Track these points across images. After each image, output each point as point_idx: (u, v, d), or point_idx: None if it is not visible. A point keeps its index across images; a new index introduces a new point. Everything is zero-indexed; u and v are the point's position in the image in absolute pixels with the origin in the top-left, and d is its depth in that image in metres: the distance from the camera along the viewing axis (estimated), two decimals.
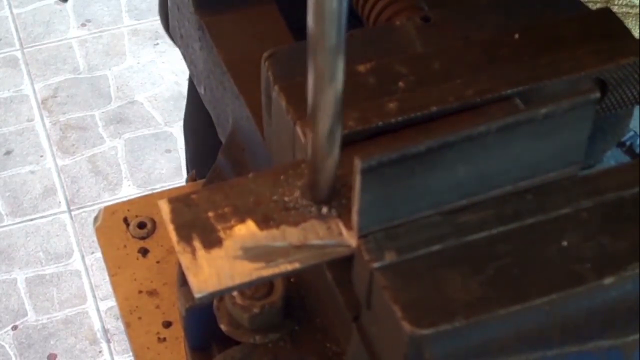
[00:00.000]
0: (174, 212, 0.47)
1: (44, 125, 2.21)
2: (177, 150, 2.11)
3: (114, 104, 2.26)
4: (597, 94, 0.46)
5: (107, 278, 0.74)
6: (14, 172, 2.13)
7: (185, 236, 0.46)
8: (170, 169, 2.09)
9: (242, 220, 0.47)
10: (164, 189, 1.09)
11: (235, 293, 0.54)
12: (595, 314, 0.45)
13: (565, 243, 0.45)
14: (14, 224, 2.04)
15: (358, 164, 0.43)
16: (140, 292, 0.70)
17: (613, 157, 0.62)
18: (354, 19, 0.72)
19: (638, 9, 0.66)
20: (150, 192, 1.70)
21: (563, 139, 0.46)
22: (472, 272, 0.44)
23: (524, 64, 0.53)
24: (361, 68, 0.53)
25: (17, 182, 2.11)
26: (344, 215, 0.47)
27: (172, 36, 0.79)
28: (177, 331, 0.68)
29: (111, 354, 1.86)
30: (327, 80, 0.42)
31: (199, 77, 0.71)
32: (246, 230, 0.46)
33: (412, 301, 0.43)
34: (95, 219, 0.75)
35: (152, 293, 0.70)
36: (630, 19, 0.67)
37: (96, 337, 1.88)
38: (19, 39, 2.40)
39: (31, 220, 2.05)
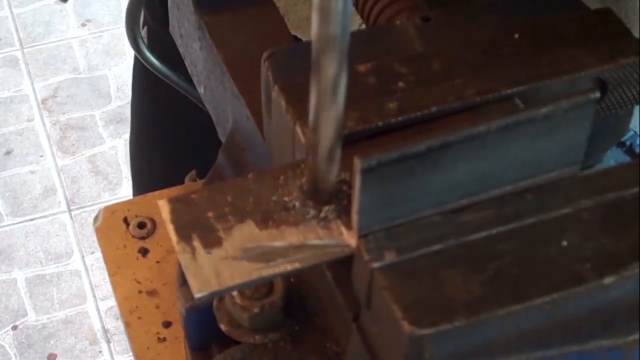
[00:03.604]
0: (174, 212, 0.47)
1: (44, 125, 2.22)
2: None
3: (114, 104, 2.26)
4: (597, 94, 0.46)
5: (107, 278, 0.74)
6: (14, 172, 2.13)
7: (185, 236, 0.46)
8: None
9: (242, 221, 0.47)
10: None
11: (235, 293, 0.54)
12: (596, 314, 0.45)
13: (565, 243, 0.45)
14: (14, 224, 2.04)
15: (358, 163, 0.43)
16: (140, 292, 0.70)
17: (613, 157, 0.62)
18: None
19: None
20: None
21: (563, 138, 0.46)
22: (472, 272, 0.44)
23: (524, 64, 0.53)
24: (361, 68, 0.53)
25: (17, 182, 2.11)
26: (344, 215, 0.47)
27: (139, 52, 0.79)
28: (177, 331, 0.68)
29: (111, 354, 1.86)
30: (330, 88, 0.42)
31: (198, 77, 0.71)
32: (246, 231, 0.46)
33: (412, 301, 0.43)
34: (95, 219, 0.75)
35: (152, 293, 0.70)
36: None
37: (96, 337, 1.88)
38: (19, 39, 2.40)
39: (31, 220, 2.05)
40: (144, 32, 0.97)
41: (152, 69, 0.80)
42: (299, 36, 0.78)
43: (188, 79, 0.77)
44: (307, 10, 0.78)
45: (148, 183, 1.09)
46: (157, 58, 0.78)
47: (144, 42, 0.77)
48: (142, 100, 1.08)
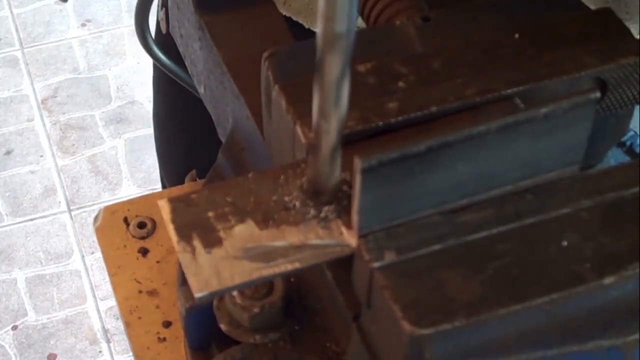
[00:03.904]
0: (174, 211, 0.47)
1: (44, 125, 2.21)
2: None
3: (114, 104, 2.26)
4: (597, 94, 0.46)
5: (107, 278, 0.74)
6: (14, 172, 2.13)
7: (185, 236, 0.46)
8: None
9: (242, 220, 0.47)
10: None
11: (235, 293, 0.54)
12: (596, 314, 0.45)
13: (565, 243, 0.45)
14: (14, 224, 2.04)
15: (358, 163, 0.43)
16: (140, 292, 0.70)
17: (613, 157, 0.62)
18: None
19: None
20: (150, 192, 1.70)
21: (563, 138, 0.46)
22: (472, 272, 0.44)
23: (524, 64, 0.53)
24: (361, 68, 0.53)
25: (17, 182, 2.11)
26: (344, 215, 0.47)
27: (151, 53, 0.79)
28: (177, 331, 0.68)
29: (111, 354, 1.86)
30: (334, 89, 0.42)
31: (199, 77, 0.71)
32: (246, 230, 0.46)
33: (412, 301, 0.43)
34: (95, 218, 0.75)
35: (152, 293, 0.70)
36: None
37: (96, 337, 1.88)
38: (19, 39, 2.40)
39: (31, 220, 2.05)
40: (162, 13, 0.97)
41: (159, 65, 0.80)
42: (300, 21, 0.78)
43: None
44: None
45: (175, 170, 1.09)
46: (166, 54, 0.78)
47: (152, 38, 0.77)
48: (158, 92, 1.08)
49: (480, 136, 0.44)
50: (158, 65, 0.80)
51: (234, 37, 0.65)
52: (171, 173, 1.10)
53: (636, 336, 0.46)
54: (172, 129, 1.10)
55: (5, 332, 1.88)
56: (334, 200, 0.47)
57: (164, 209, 0.47)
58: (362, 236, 0.45)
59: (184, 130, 1.07)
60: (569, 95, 0.45)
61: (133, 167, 2.13)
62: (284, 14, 0.78)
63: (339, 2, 0.39)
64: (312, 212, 0.47)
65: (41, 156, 2.16)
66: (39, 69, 2.33)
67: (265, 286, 0.54)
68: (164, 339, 0.68)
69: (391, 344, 0.44)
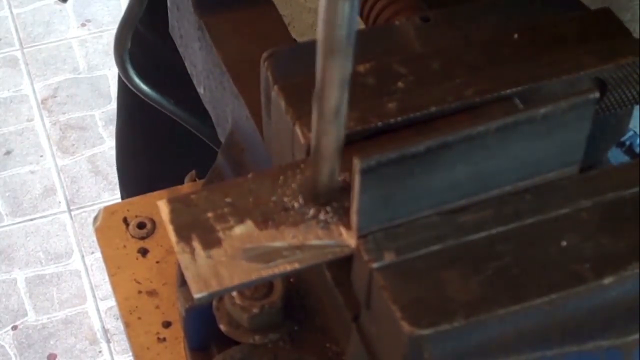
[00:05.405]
0: (173, 212, 0.47)
1: (43, 125, 2.22)
2: None
3: (114, 104, 2.26)
4: (597, 94, 0.46)
5: (107, 278, 0.74)
6: (14, 172, 2.13)
7: (184, 236, 0.46)
8: None
9: (241, 221, 0.47)
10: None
11: (234, 293, 0.54)
12: (595, 314, 0.45)
13: (564, 243, 0.45)
14: (14, 224, 2.04)
15: (357, 163, 0.43)
16: (139, 292, 0.71)
17: (613, 157, 0.62)
18: None
19: None
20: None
21: (562, 138, 0.46)
22: (472, 272, 0.44)
23: (524, 64, 0.53)
24: (360, 68, 0.53)
25: (17, 182, 2.11)
26: (343, 215, 0.47)
27: (129, 79, 0.79)
28: (177, 331, 0.68)
29: (111, 354, 1.86)
30: (333, 86, 0.42)
31: (198, 77, 0.71)
32: (245, 231, 0.46)
33: (411, 301, 0.43)
34: (95, 219, 0.75)
35: (151, 293, 0.70)
36: None
37: (96, 337, 1.88)
38: (19, 39, 2.40)
39: (31, 220, 2.05)
40: None
41: (140, 95, 0.80)
42: None
43: (176, 95, 0.77)
44: (312, 18, 0.79)
45: (134, 184, 1.08)
46: (143, 57, 0.78)
47: (132, 68, 0.77)
48: (131, 105, 1.07)
49: (479, 136, 0.44)
50: (139, 95, 0.80)
51: (233, 37, 0.65)
52: (131, 190, 1.10)
53: (636, 336, 0.46)
54: (133, 148, 1.10)
55: (5, 332, 1.88)
56: (333, 200, 0.47)
57: (163, 210, 0.47)
58: (361, 236, 0.45)
59: (147, 147, 1.07)
60: (568, 96, 0.45)
61: None
62: None
63: (340, 7, 0.39)
64: (312, 212, 0.47)
65: (41, 156, 2.16)
66: (39, 69, 2.33)
67: (264, 286, 0.54)
68: (164, 339, 0.68)
69: (390, 344, 0.44)
